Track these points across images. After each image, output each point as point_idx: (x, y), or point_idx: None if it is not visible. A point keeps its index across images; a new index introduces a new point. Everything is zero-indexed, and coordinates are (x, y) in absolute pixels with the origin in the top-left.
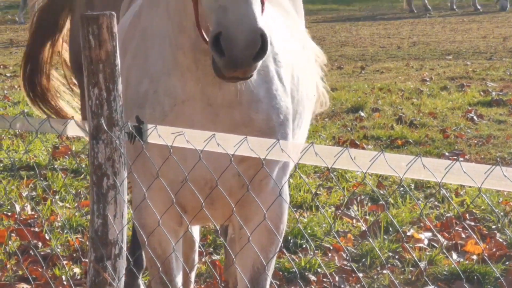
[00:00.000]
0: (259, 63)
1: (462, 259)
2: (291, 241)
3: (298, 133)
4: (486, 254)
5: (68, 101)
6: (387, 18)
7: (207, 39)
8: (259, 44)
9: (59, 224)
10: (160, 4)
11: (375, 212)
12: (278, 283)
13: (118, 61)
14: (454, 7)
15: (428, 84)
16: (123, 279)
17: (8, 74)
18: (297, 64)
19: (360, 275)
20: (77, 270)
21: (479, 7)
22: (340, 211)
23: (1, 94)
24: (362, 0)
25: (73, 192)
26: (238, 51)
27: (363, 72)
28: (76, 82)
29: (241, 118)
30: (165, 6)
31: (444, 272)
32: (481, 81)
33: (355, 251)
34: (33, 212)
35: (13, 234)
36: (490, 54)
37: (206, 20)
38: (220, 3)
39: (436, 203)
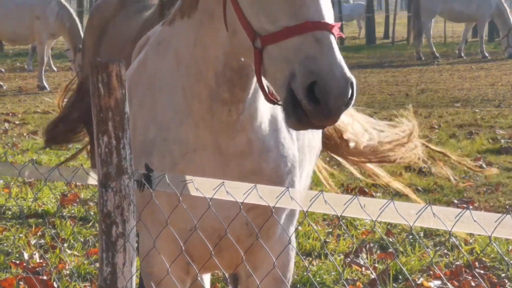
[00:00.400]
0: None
1: None
2: None
3: (300, 181)
4: None
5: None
6: (395, 66)
7: (267, 91)
8: (350, 92)
9: (68, 272)
10: (167, 53)
11: (384, 260)
12: None
13: (127, 109)
14: (462, 54)
15: (436, 131)
16: None
17: (17, 122)
18: None
19: None
20: None
21: (487, 54)
22: (349, 259)
23: (10, 142)
24: (370, 47)
25: (82, 240)
26: (333, 99)
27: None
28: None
29: (252, 167)
30: (173, 56)
31: None
32: (489, 128)
33: None
34: (41, 260)
35: (21, 283)
36: (498, 102)
37: (277, 72)
38: (307, 54)
39: (445, 251)
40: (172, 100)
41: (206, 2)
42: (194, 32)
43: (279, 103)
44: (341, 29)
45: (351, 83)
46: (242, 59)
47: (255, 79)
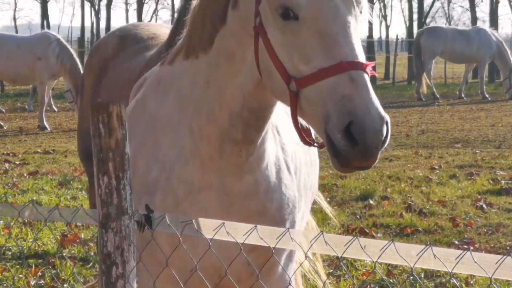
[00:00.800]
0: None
1: None
2: None
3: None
4: None
5: None
6: (396, 106)
7: (301, 131)
8: (385, 130)
9: None
10: (169, 92)
11: None
12: None
13: (128, 149)
14: (463, 95)
15: (437, 172)
16: None
17: (17, 162)
18: (297, 153)
19: None
20: None
21: (487, 95)
22: None
23: (10, 182)
24: None
25: (82, 280)
26: (370, 138)
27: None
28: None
29: (256, 208)
30: (176, 95)
31: None
32: (490, 169)
33: None
34: None
35: None
36: (499, 143)
37: (315, 114)
38: (343, 93)
39: None
40: (177, 139)
41: (225, 44)
42: (207, 73)
43: (315, 144)
44: (373, 68)
45: (386, 122)
46: (274, 101)
47: (269, 121)
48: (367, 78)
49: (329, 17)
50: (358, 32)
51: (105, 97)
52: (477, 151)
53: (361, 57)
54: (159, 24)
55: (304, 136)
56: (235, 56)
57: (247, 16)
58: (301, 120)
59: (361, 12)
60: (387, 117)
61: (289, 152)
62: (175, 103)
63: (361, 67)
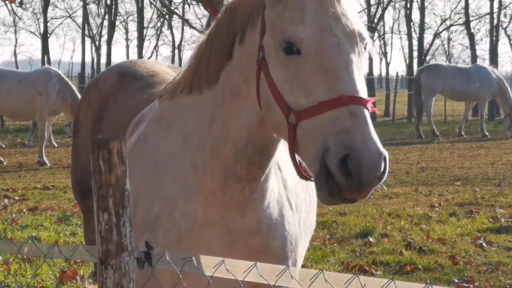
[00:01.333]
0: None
1: None
2: None
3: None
4: None
5: None
6: (396, 143)
7: (298, 165)
8: (382, 166)
9: None
10: (171, 128)
11: None
12: None
13: (128, 186)
14: (463, 133)
15: (437, 210)
16: None
17: (16, 198)
18: (297, 191)
19: None
20: None
21: (487, 133)
22: None
23: (10, 218)
24: None
25: None
26: (366, 173)
27: (371, 197)
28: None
29: (259, 245)
30: (179, 130)
31: None
32: (490, 207)
33: None
34: None
35: None
36: (498, 181)
37: (311, 146)
38: (342, 126)
39: None
40: (180, 175)
41: (231, 80)
42: (212, 108)
43: (311, 179)
44: (374, 104)
45: (384, 158)
46: (275, 135)
47: (273, 157)
48: (367, 113)
49: (332, 52)
50: (360, 68)
51: (109, 134)
52: (477, 189)
53: (362, 92)
54: (156, 61)
55: (301, 170)
56: (241, 92)
57: (253, 52)
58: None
59: (365, 49)
60: (385, 153)
61: (290, 189)
62: (178, 138)
63: (362, 102)
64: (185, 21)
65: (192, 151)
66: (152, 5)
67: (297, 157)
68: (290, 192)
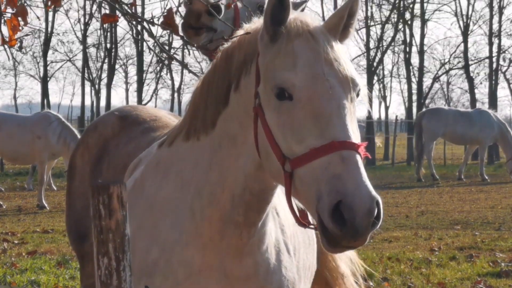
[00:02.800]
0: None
1: None
2: None
3: None
4: None
5: None
6: (395, 187)
7: (297, 214)
8: (376, 211)
9: None
10: (169, 174)
11: None
12: None
13: (128, 230)
14: (462, 177)
15: (436, 254)
16: None
17: (16, 241)
18: (295, 234)
19: None
20: None
21: (486, 177)
22: None
23: (9, 262)
24: (370, 168)
25: None
26: (359, 218)
27: (371, 241)
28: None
29: None
30: (176, 177)
31: None
32: (490, 251)
33: None
34: None
35: None
36: (498, 225)
37: (307, 194)
38: (334, 172)
39: None
40: (177, 221)
41: (228, 126)
42: (209, 155)
43: (310, 226)
44: (368, 148)
45: (377, 202)
46: (274, 182)
47: (271, 202)
48: (358, 158)
49: (324, 98)
50: (353, 113)
51: (111, 177)
52: (476, 233)
53: (354, 138)
54: (155, 108)
55: (299, 217)
56: (237, 138)
57: (248, 99)
58: (297, 201)
59: (357, 95)
60: (378, 198)
61: (288, 234)
62: (176, 184)
63: (353, 147)
64: (184, 67)
65: (189, 197)
66: (151, 51)
67: (295, 204)
68: (287, 237)
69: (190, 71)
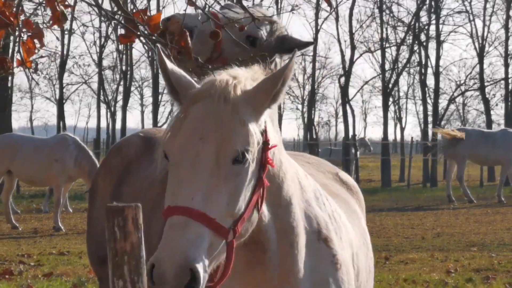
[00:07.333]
0: None
1: None
2: None
3: None
4: None
5: None
6: (411, 209)
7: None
8: (187, 279)
9: None
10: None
11: None
12: None
13: (143, 252)
14: (502, 198)
15: (453, 275)
16: None
17: (32, 263)
18: (358, 258)
19: None
20: None
21: (503, 198)
22: None
23: (25, 284)
24: (385, 190)
25: None
26: (161, 284)
27: (387, 262)
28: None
29: None
30: None
31: None
32: (506, 273)
33: None
34: None
35: None
36: None
37: None
38: (160, 238)
39: None
40: None
41: None
42: None
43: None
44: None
45: (192, 270)
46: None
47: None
48: (187, 223)
49: (185, 165)
50: (227, 177)
51: (130, 200)
52: (493, 254)
53: (196, 202)
54: None
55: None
56: None
57: None
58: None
59: (243, 155)
60: (196, 268)
61: (340, 260)
62: None
63: (183, 211)
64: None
65: None
66: None
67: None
68: (339, 268)
69: None
